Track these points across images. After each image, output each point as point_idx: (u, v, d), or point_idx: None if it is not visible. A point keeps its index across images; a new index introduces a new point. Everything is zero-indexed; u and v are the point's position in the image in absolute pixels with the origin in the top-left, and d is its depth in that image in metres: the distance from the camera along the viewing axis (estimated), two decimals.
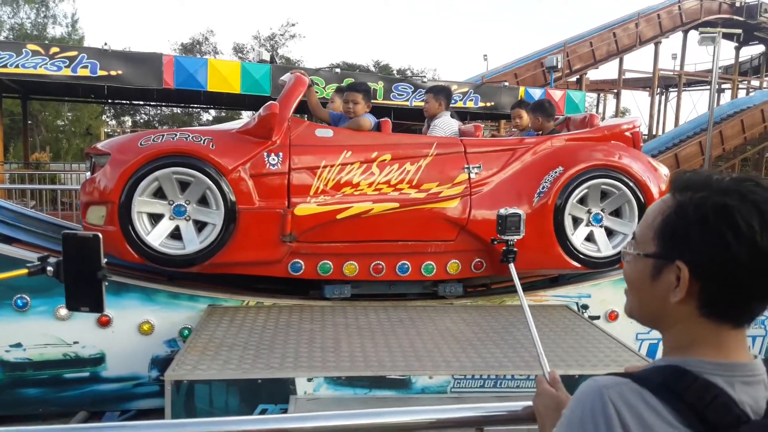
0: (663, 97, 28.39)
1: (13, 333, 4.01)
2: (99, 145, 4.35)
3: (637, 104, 65.86)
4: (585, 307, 4.89)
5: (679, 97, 25.44)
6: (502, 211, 2.67)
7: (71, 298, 1.77)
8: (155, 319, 4.19)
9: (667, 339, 0.99)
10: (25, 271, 1.83)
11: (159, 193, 4.06)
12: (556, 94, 14.90)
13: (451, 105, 5.09)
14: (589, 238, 4.55)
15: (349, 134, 4.41)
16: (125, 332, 4.16)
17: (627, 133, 4.84)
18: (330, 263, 4.33)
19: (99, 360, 4.14)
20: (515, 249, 2.59)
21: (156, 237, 4.03)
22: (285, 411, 3.13)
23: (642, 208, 4.43)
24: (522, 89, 14.77)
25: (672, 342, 0.98)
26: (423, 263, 4.45)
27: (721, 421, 0.86)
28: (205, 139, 4.07)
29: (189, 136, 4.10)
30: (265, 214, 4.11)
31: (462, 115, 15.06)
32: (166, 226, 4.07)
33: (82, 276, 1.72)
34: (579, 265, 4.51)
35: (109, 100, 18.76)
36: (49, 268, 1.77)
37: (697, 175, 0.97)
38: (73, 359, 4.11)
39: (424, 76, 20.78)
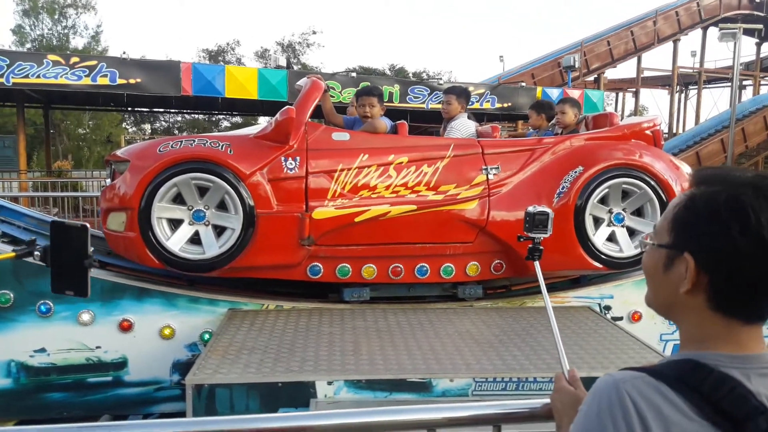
0: (683, 95, 28.06)
1: (37, 338, 4.06)
2: (119, 152, 4.37)
3: (656, 102, 65.24)
4: (607, 308, 4.83)
5: (699, 94, 25.12)
6: (531, 208, 2.65)
7: (57, 281, 1.83)
8: (176, 323, 4.22)
9: (682, 332, 1.01)
10: (12, 254, 1.89)
11: (178, 199, 4.08)
12: (574, 94, 14.80)
13: (468, 106, 5.06)
14: (611, 238, 4.48)
15: (366, 137, 4.40)
16: (147, 337, 4.19)
17: (647, 132, 4.75)
18: (348, 266, 4.32)
19: (121, 364, 4.18)
20: (541, 247, 2.56)
21: (176, 242, 4.04)
22: None
23: (664, 207, 4.33)
24: (539, 89, 14.70)
25: (686, 335, 1.00)
26: (442, 265, 4.42)
27: (738, 412, 0.87)
28: (223, 145, 4.09)
29: (207, 141, 4.13)
30: (283, 218, 4.11)
31: (479, 116, 15.02)
32: (185, 231, 4.08)
33: (68, 262, 1.77)
34: (601, 266, 4.42)
35: (129, 108, 19.02)
36: (36, 253, 1.83)
37: (717, 169, 1.00)
38: (96, 364, 4.15)
39: (440, 79, 20.76)
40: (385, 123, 4.52)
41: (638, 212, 4.49)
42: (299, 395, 3.21)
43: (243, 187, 4.04)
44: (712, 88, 29.20)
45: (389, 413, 1.51)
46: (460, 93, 4.94)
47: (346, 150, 4.29)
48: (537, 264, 2.49)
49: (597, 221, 4.44)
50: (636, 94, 24.65)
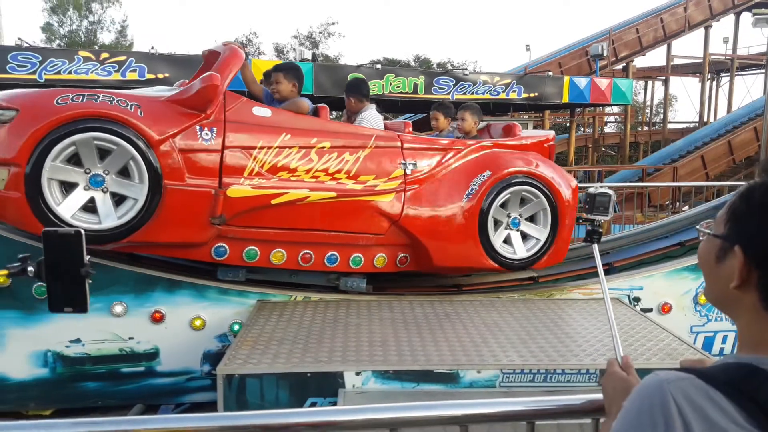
0: (714, 83, 27.43)
1: (73, 329, 4.15)
2: (1, 98, 3.73)
3: (686, 91, 63.60)
4: (637, 299, 4.78)
5: (731, 82, 24.51)
6: (592, 189, 2.59)
7: (54, 298, 1.60)
8: (206, 314, 4.28)
9: (739, 331, 0.95)
10: (4, 272, 1.69)
11: (73, 160, 3.68)
12: (602, 83, 14.57)
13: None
14: (506, 240, 4.62)
15: (288, 116, 4.19)
16: (178, 328, 4.26)
17: (545, 145, 5.00)
18: (257, 249, 4.16)
19: (153, 355, 4.26)
20: (601, 230, 2.51)
21: (68, 208, 3.61)
22: (334, 404, 3.17)
23: (555, 216, 4.61)
24: (567, 79, 14.48)
25: (743, 336, 0.93)
26: (352, 255, 4.37)
27: None
28: (132, 105, 3.70)
29: (114, 99, 3.70)
30: (193, 193, 3.83)
31: (505, 106, 14.87)
32: (80, 196, 3.67)
33: (64, 274, 1.57)
34: (496, 265, 4.57)
35: None
36: (30, 269, 1.62)
37: None
38: (129, 354, 4.24)
39: (465, 69, 20.59)
40: (308, 104, 4.37)
41: (531, 218, 4.69)
42: (328, 385, 3.24)
43: (152, 154, 3.69)
44: (745, 75, 28.49)
45: (428, 408, 1.48)
46: (351, 88, 4.84)
47: (267, 127, 4.08)
48: (595, 247, 2.44)
49: (496, 223, 4.57)
50: (666, 83, 24.17)
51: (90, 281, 1.63)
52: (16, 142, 3.51)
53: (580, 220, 2.61)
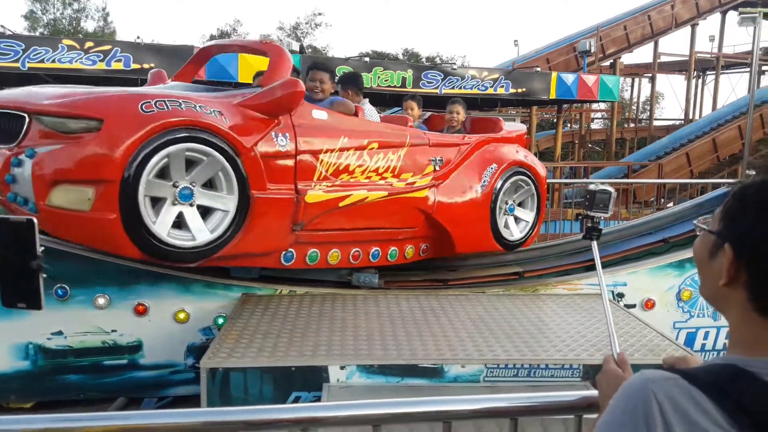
0: (700, 81, 27.63)
1: (55, 321, 4.10)
2: (73, 105, 3.30)
3: (672, 88, 64.10)
4: (620, 295, 4.81)
5: (716, 80, 24.72)
6: (592, 186, 2.58)
7: (8, 292, 1.50)
8: (190, 307, 4.25)
9: (730, 330, 0.95)
10: None
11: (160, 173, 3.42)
12: (590, 79, 14.62)
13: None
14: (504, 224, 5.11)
15: (341, 118, 4.22)
16: (161, 321, 4.22)
17: (524, 137, 5.61)
18: (317, 251, 4.18)
19: (136, 348, 4.23)
20: (601, 227, 2.51)
21: (163, 226, 3.36)
22: (318, 399, 3.16)
23: (539, 202, 5.21)
24: (554, 74, 14.52)
25: (733, 335, 0.93)
26: (390, 249, 4.56)
27: None
28: (214, 111, 3.48)
29: (195, 105, 3.42)
30: (278, 201, 3.78)
31: (493, 101, 14.89)
32: (171, 212, 3.42)
33: (15, 267, 1.47)
34: (500, 248, 5.09)
35: None
36: None
37: None
38: (112, 347, 4.20)
39: (454, 63, 20.57)
40: (353, 104, 4.43)
41: (520, 204, 5.24)
42: (312, 379, 3.23)
43: (240, 164, 3.55)
44: (730, 74, 28.73)
45: (408, 405, 1.47)
46: (349, 80, 4.91)
47: (327, 130, 4.07)
48: (594, 244, 2.42)
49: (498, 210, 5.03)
50: (652, 80, 24.33)
51: (44, 275, 1.52)
52: (107, 156, 3.15)
53: (579, 217, 2.59)
